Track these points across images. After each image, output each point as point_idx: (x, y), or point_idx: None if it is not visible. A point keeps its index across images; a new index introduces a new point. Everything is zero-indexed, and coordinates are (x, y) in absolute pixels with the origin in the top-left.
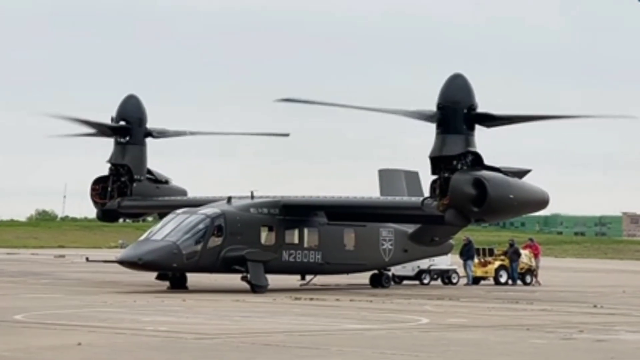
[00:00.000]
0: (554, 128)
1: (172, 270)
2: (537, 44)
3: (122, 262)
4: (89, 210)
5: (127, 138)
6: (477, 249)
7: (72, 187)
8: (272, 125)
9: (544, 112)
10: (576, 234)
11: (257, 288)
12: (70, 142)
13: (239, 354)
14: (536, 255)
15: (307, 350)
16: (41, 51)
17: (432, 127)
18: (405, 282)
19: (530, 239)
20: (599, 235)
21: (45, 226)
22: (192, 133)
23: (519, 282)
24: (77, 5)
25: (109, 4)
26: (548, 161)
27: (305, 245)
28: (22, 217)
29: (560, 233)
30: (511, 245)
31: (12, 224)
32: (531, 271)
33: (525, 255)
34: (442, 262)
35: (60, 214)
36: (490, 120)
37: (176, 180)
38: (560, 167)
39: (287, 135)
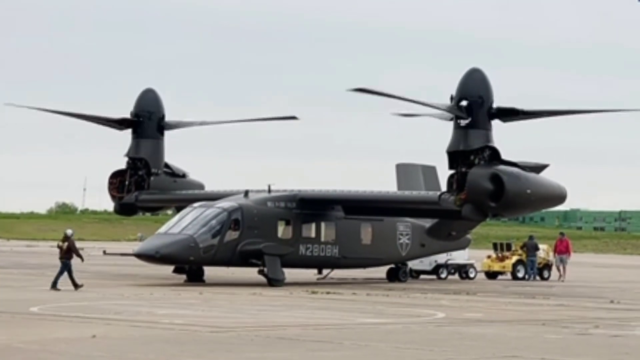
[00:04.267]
0: (573, 123)
1: (189, 264)
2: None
3: (140, 256)
4: (109, 204)
5: (141, 131)
6: (495, 244)
7: (92, 180)
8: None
9: (564, 108)
10: (595, 229)
11: (273, 282)
12: (90, 135)
13: (253, 347)
14: (565, 251)
15: (320, 344)
16: (73, 48)
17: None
18: (422, 276)
19: (561, 233)
20: (619, 230)
21: (65, 219)
22: (201, 123)
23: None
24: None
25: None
26: (567, 156)
27: (322, 239)
28: (42, 210)
29: (579, 228)
30: (530, 239)
31: (32, 216)
32: (549, 266)
33: (542, 251)
34: (460, 256)
35: (80, 206)
36: (513, 115)
37: (194, 174)
38: (580, 162)
39: (295, 118)
